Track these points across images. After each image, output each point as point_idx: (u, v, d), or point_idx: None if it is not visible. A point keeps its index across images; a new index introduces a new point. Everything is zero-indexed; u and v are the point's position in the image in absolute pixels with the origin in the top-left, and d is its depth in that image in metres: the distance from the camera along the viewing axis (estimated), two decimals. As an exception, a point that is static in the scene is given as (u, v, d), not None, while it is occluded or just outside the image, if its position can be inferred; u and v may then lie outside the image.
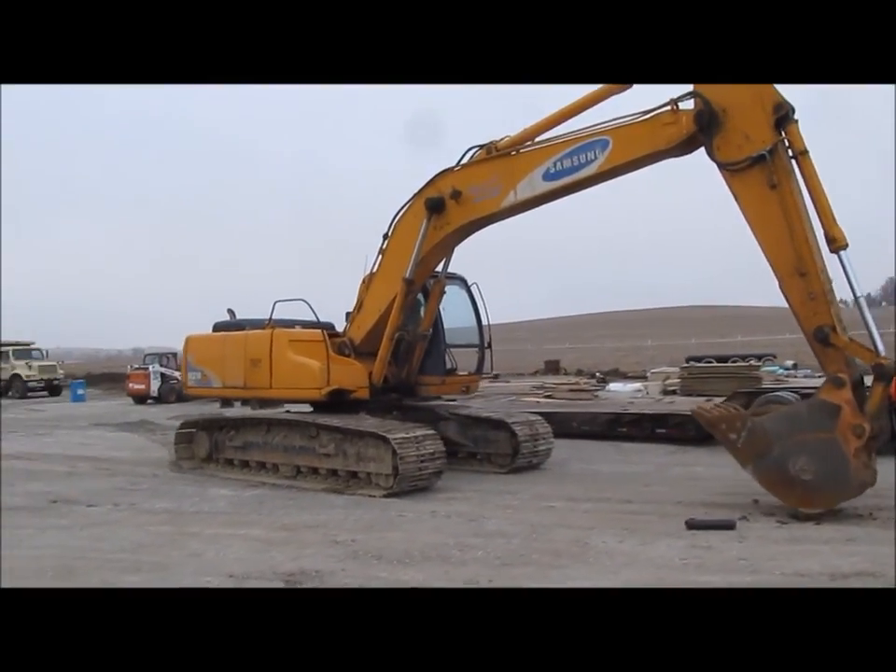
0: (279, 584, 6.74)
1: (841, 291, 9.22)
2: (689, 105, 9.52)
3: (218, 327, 13.84)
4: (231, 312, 14.05)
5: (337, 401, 11.94)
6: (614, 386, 30.80)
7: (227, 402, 14.72)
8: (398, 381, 12.65)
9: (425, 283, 12.52)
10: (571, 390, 26.08)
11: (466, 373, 13.59)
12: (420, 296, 12.79)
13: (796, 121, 9.06)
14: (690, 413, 10.01)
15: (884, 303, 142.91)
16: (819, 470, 8.49)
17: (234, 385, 12.93)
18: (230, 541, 8.36)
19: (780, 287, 9.10)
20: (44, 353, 42.23)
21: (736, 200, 9.29)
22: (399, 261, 11.87)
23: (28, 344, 42.11)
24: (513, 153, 11.07)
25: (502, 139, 11.32)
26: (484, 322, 13.61)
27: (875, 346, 8.67)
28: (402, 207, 12.06)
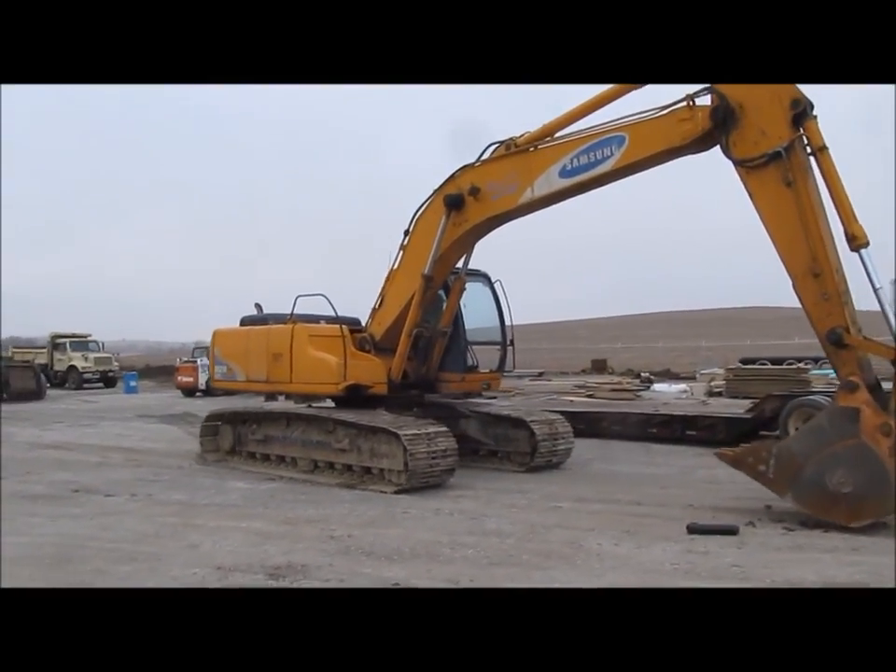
0: (263, 577, 6.77)
1: (860, 291, 8.96)
2: (705, 100, 9.34)
3: (245, 321, 13.98)
4: (258, 306, 14.15)
5: (354, 397, 11.97)
6: (659, 387, 30.56)
7: (271, 396, 14.82)
8: (417, 377, 12.61)
9: (446, 279, 12.47)
10: (613, 390, 25.92)
11: (487, 371, 13.51)
12: (441, 292, 12.75)
13: (815, 117, 8.81)
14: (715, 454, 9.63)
15: None
16: (856, 479, 8.10)
17: (257, 378, 13.04)
18: (229, 534, 8.42)
19: (794, 287, 8.86)
20: (100, 345, 43.16)
21: (751, 198, 9.08)
22: (420, 258, 11.86)
23: (85, 336, 43.07)
24: (531, 150, 10.99)
25: (521, 135, 11.23)
26: (507, 319, 13.52)
27: (894, 337, 8.36)
28: (423, 204, 12.04)
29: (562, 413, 16.70)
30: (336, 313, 12.08)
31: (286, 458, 12.54)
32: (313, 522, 8.98)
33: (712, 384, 28.17)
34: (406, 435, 10.47)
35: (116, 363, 42.82)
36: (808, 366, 29.83)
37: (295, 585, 6.55)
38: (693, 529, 8.27)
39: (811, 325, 8.82)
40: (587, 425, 16.89)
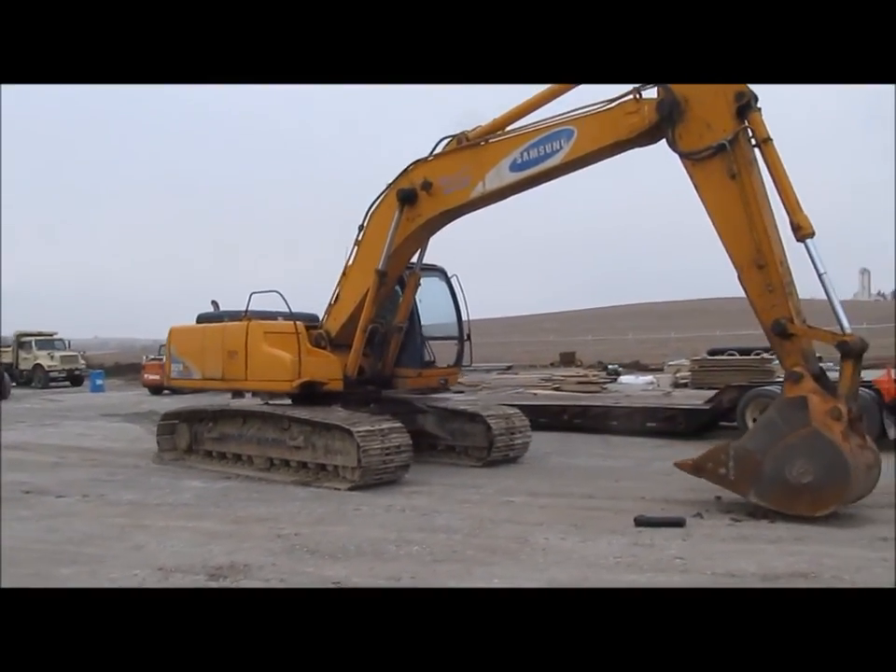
0: (204, 578, 6.71)
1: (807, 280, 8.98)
2: (652, 93, 9.35)
3: (201, 318, 13.87)
4: (214, 303, 14.05)
5: (309, 393, 11.92)
6: (625, 379, 30.66)
7: (238, 394, 14.64)
8: (373, 373, 12.57)
9: (401, 274, 12.42)
10: (579, 383, 25.94)
11: (444, 366, 13.48)
12: (398, 287, 12.70)
13: (759, 109, 8.85)
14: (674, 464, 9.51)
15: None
16: (815, 468, 8.07)
17: (213, 376, 12.94)
18: (176, 534, 8.34)
19: (739, 278, 8.90)
20: (66, 343, 42.69)
21: (697, 190, 9.10)
22: (374, 253, 11.80)
23: (51, 335, 42.58)
24: (482, 143, 10.95)
25: (473, 129, 11.20)
26: (464, 314, 13.49)
27: (840, 325, 8.44)
28: (377, 198, 11.98)
29: (523, 406, 16.74)
30: (290, 309, 12.01)
31: (242, 456, 12.46)
32: (262, 520, 8.92)
33: (678, 375, 28.29)
34: (359, 432, 10.43)
35: (83, 361, 42.35)
36: (773, 356, 29.99)
37: (234, 586, 6.49)
38: (641, 522, 8.29)
39: (756, 316, 8.88)
40: (549, 418, 16.93)
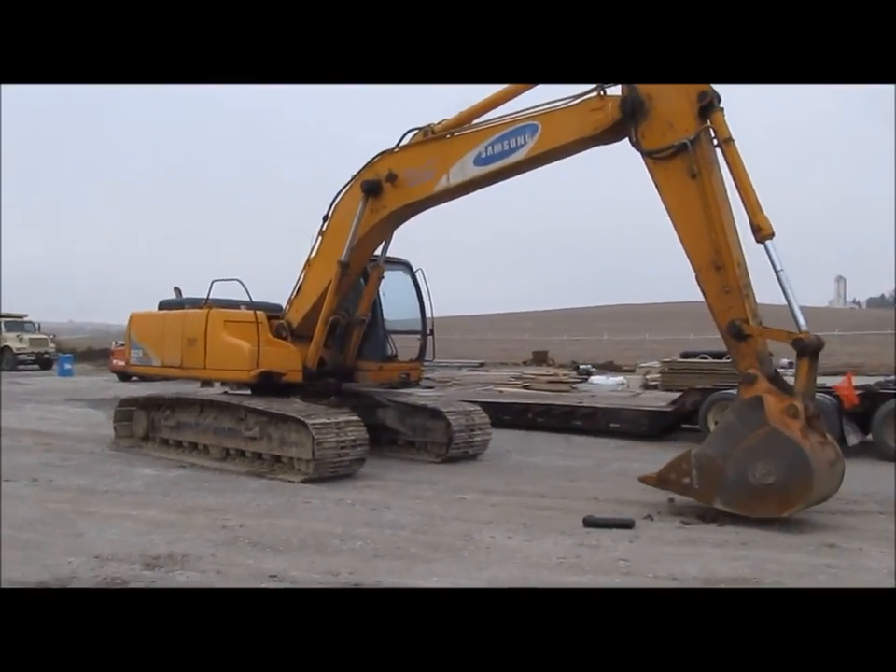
0: (139, 568, 6.60)
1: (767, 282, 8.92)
2: (617, 91, 9.28)
3: (163, 305, 13.70)
4: (177, 290, 13.89)
5: (266, 384, 11.79)
6: (597, 379, 30.64)
7: (207, 382, 14.40)
8: (334, 365, 12.44)
9: (364, 267, 12.31)
10: (549, 381, 25.91)
11: (407, 361, 13.40)
12: (362, 280, 12.59)
13: (721, 109, 8.79)
14: (638, 478, 9.25)
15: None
16: (776, 468, 7.94)
17: (172, 363, 12.80)
18: (119, 522, 8.23)
19: (697, 279, 8.86)
20: (36, 326, 42.26)
21: (658, 189, 9.05)
22: (337, 244, 11.69)
23: (21, 317, 42.12)
24: (448, 136, 10.86)
25: (440, 122, 11.12)
26: (428, 309, 13.40)
27: (797, 323, 8.39)
28: (342, 189, 11.87)
29: (488, 404, 16.72)
30: (251, 298, 11.87)
31: (198, 445, 12.30)
32: (209, 511, 8.80)
33: (647, 377, 28.34)
34: (314, 424, 10.31)
35: (52, 345, 41.92)
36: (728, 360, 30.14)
37: (170, 576, 6.39)
38: (589, 522, 8.22)
39: (713, 317, 8.83)
40: (513, 416, 16.87)
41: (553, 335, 79.50)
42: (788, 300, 8.47)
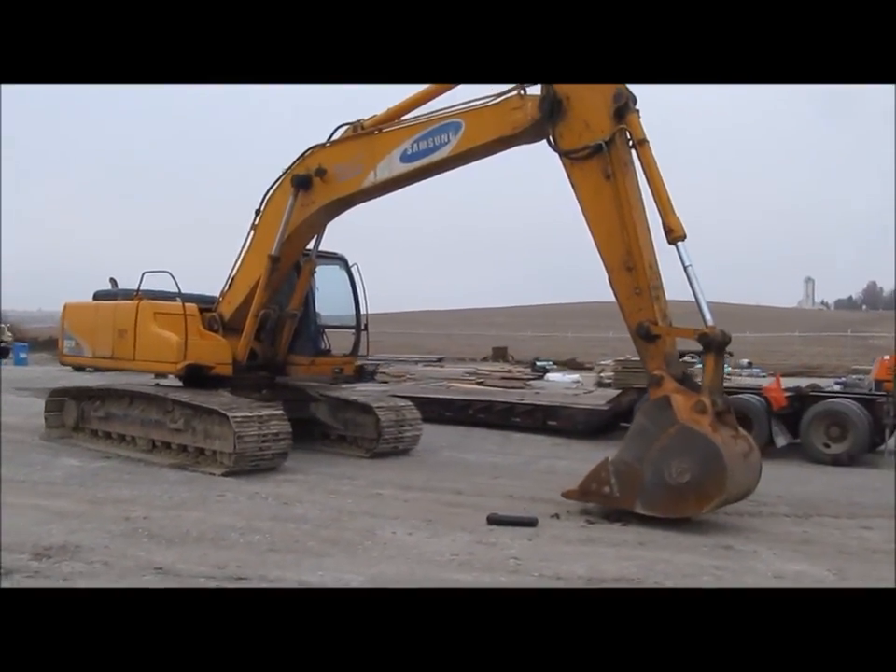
0: (27, 558, 6.59)
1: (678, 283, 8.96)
2: (536, 90, 9.34)
3: (98, 295, 13.65)
4: (112, 280, 13.83)
5: (195, 376, 11.79)
6: (553, 377, 30.78)
7: (161, 374, 14.23)
8: (266, 359, 12.47)
9: (296, 261, 12.32)
10: (503, 378, 25.98)
11: (340, 355, 13.44)
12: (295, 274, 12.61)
13: (637, 111, 8.87)
14: (561, 495, 9.00)
15: (864, 307, 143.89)
16: (690, 465, 7.96)
17: (103, 354, 12.77)
18: (24, 511, 8.20)
19: (609, 280, 8.94)
20: (-7, 315, 42.00)
21: (574, 190, 9.12)
22: (269, 238, 11.70)
23: (-24, 305, 41.85)
24: (376, 132, 10.89)
25: (370, 118, 11.14)
26: (362, 304, 13.44)
27: (703, 318, 8.45)
28: (274, 183, 11.87)
29: (432, 399, 16.86)
30: (179, 290, 11.84)
31: (126, 437, 12.27)
32: (119, 502, 8.79)
33: (602, 375, 28.48)
34: (236, 417, 10.32)
35: (9, 334, 41.57)
36: (693, 360, 30.33)
37: (55, 567, 6.39)
38: (493, 520, 8.27)
39: (623, 318, 8.91)
40: (454, 412, 16.93)
41: (522, 331, 79.76)
42: (695, 295, 8.55)
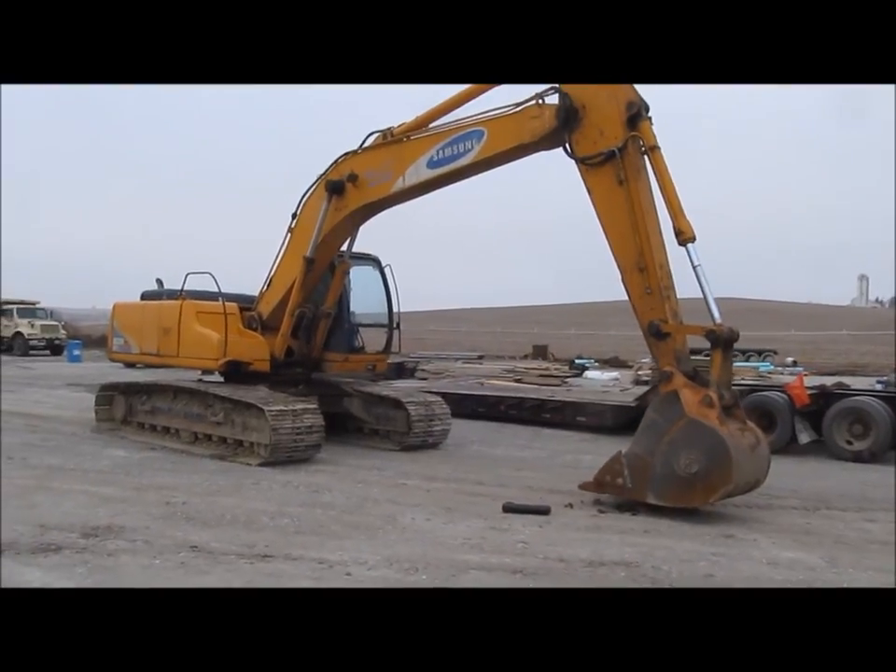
0: (76, 536, 7.23)
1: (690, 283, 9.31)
2: (554, 99, 9.77)
3: (145, 295, 14.36)
4: (159, 281, 14.51)
5: (234, 372, 12.43)
6: (592, 374, 30.97)
7: (207, 371, 14.81)
8: (302, 356, 13.07)
9: (331, 262, 12.90)
10: (541, 375, 26.34)
11: (373, 353, 14.01)
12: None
13: (649, 118, 9.28)
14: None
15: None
16: (698, 456, 8.35)
17: (149, 351, 13.46)
18: (74, 497, 8.87)
19: (622, 280, 9.35)
20: (48, 312, 43.33)
21: (589, 195, 9.54)
22: (305, 241, 12.28)
23: (33, 303, 43.21)
24: (405, 140, 11.41)
25: (399, 125, 11.66)
26: (394, 303, 13.99)
27: (712, 316, 8.85)
28: (309, 188, 12.45)
29: (465, 396, 17.31)
30: (220, 290, 12.49)
31: (170, 429, 12.96)
32: (161, 489, 9.42)
33: (639, 372, 28.68)
34: (271, 410, 10.92)
35: (63, 332, 42.93)
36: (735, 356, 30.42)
37: (101, 544, 7.01)
38: (508, 508, 8.76)
39: (636, 317, 9.32)
40: (487, 408, 17.43)
41: (566, 329, 79.89)
42: (704, 294, 8.96)
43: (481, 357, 36.00)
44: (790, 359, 44.70)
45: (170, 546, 7.04)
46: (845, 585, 6.61)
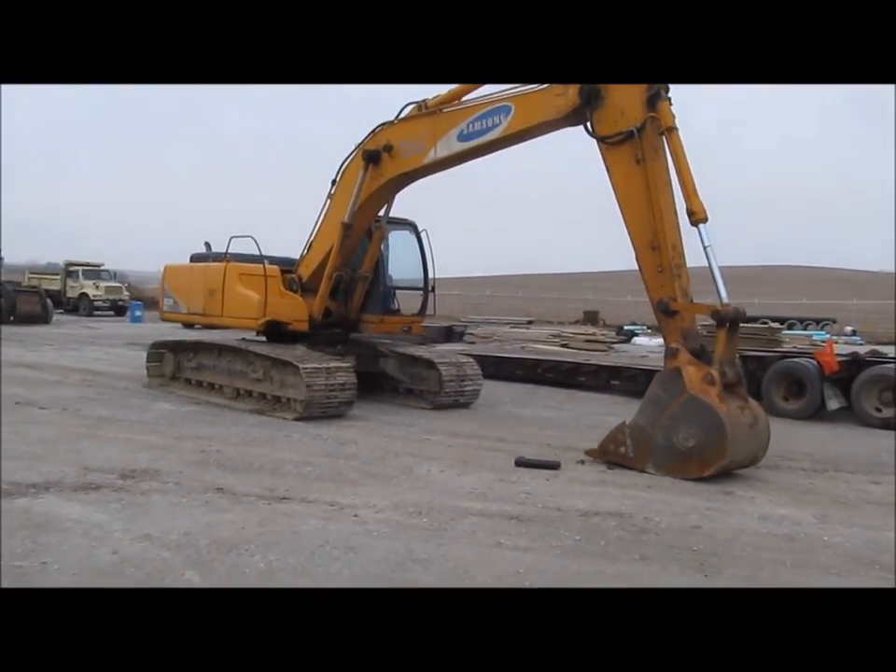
0: (115, 477, 7.91)
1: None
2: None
3: (194, 258, 15.07)
4: (207, 244, 15.19)
5: (274, 331, 13.09)
6: (640, 340, 31.38)
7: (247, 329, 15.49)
8: (340, 317, 13.68)
9: (368, 227, 13.44)
10: (587, 341, 26.72)
11: (409, 315, 14.56)
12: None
13: (668, 99, 9.54)
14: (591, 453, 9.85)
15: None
16: (696, 431, 8.79)
17: (196, 311, 14.19)
18: (118, 444, 9.58)
19: (636, 257, 9.69)
20: (111, 274, 44.84)
21: (608, 173, 9.87)
22: (343, 207, 12.85)
23: (98, 265, 44.73)
24: (438, 112, 11.84)
25: (434, 97, 12.09)
26: (430, 267, 14.50)
27: (719, 295, 9.16)
28: (348, 156, 12.97)
29: (503, 358, 17.86)
30: (261, 252, 13.12)
31: (214, 385, 13.68)
32: (199, 439, 10.09)
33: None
34: (306, 368, 11.54)
35: (126, 293, 44.41)
36: (782, 326, 30.52)
37: (136, 485, 7.67)
38: (520, 463, 9.26)
39: (647, 294, 9.69)
40: (524, 371, 17.94)
41: (623, 296, 79.67)
42: (713, 274, 9.23)
43: (530, 322, 36.41)
44: (849, 328, 44.38)
45: (198, 488, 7.67)
46: (825, 539, 6.98)
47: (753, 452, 9.38)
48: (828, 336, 33.99)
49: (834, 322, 49.41)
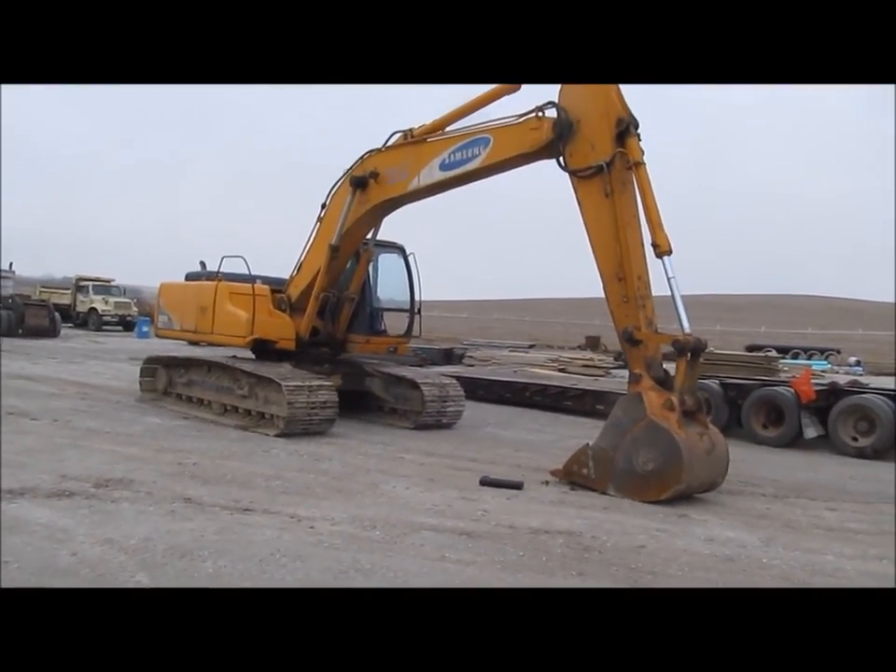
0: (89, 486, 8.26)
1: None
2: (553, 113, 10.47)
3: (189, 276, 15.52)
4: (202, 263, 15.61)
5: (262, 349, 13.48)
6: (636, 367, 31.49)
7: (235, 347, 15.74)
8: (327, 337, 14.05)
9: (356, 250, 13.83)
10: (584, 366, 27.01)
11: (394, 336, 14.93)
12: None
13: (637, 135, 9.91)
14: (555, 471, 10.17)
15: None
16: (654, 455, 9.02)
17: (189, 328, 14.61)
18: (100, 455, 9.94)
19: (603, 287, 10.03)
20: (121, 290, 45.49)
21: (578, 205, 10.23)
22: (332, 230, 13.24)
23: (108, 281, 45.48)
24: (422, 141, 12.24)
25: (420, 126, 12.49)
26: (416, 289, 14.87)
27: (681, 325, 9.45)
28: (338, 181, 13.39)
29: (494, 381, 18.19)
30: (250, 273, 13.53)
31: (203, 401, 14.05)
32: (179, 452, 10.44)
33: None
34: (288, 386, 11.90)
35: (135, 308, 45.00)
36: (780, 356, 30.74)
37: (108, 493, 8.02)
38: (484, 482, 9.56)
39: (613, 323, 10.00)
40: (512, 394, 18.26)
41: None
42: (675, 304, 9.58)
43: (531, 346, 36.72)
44: (852, 359, 44.49)
45: (167, 497, 8.01)
46: (764, 561, 7.25)
47: (712, 477, 9.66)
48: (811, 365, 34.27)
49: (838, 353, 49.55)
